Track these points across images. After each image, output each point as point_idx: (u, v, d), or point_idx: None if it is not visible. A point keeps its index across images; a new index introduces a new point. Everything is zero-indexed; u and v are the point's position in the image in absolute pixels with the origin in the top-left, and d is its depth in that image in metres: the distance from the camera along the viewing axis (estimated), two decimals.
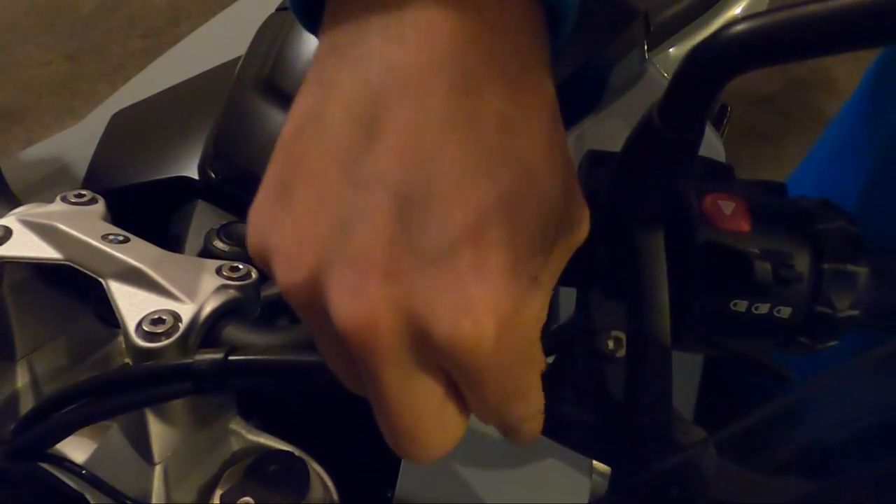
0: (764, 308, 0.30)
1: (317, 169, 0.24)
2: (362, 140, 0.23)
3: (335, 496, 0.40)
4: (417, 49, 0.23)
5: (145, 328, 0.35)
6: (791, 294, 0.30)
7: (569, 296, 0.35)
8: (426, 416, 0.25)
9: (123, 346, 0.38)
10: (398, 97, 0.23)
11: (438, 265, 0.22)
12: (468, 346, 0.22)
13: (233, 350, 0.33)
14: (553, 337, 0.36)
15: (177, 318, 0.36)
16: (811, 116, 1.88)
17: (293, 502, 0.38)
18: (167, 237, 0.55)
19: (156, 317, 0.36)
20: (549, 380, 0.33)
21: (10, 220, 0.40)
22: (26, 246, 0.39)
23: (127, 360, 0.37)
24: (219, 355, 0.33)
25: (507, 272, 0.23)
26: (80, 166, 0.59)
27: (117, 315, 0.36)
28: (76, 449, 0.40)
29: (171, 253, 0.40)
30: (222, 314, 0.37)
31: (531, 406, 0.27)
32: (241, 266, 0.39)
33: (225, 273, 0.39)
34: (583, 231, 0.27)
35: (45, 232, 0.40)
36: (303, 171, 0.24)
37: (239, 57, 0.62)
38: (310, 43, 0.57)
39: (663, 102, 0.24)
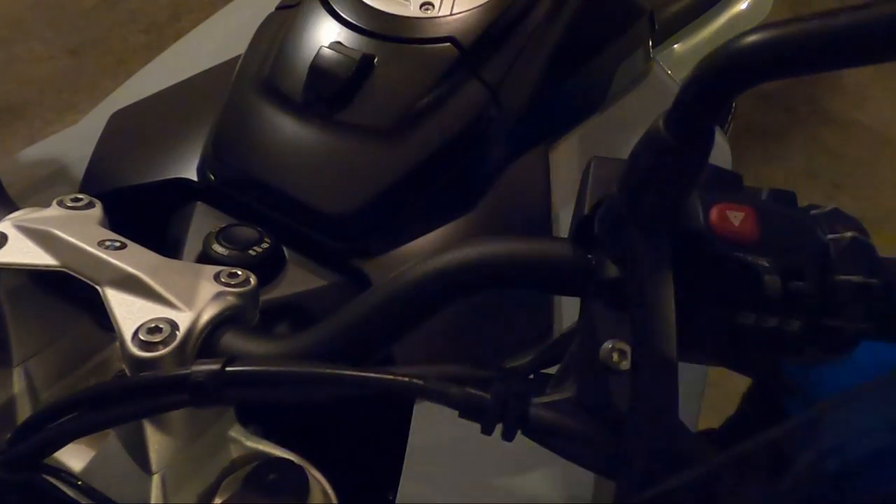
0: (772, 321, 0.29)
1: None
2: None
3: (335, 502, 0.40)
4: None
5: (142, 337, 0.35)
6: (800, 307, 0.29)
7: (571, 305, 0.35)
8: None
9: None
10: None
11: None
12: None
13: (230, 360, 0.33)
14: (556, 347, 0.36)
15: (174, 326, 0.35)
16: (816, 113, 1.87)
17: None
18: (166, 240, 0.54)
19: (152, 325, 0.35)
20: (553, 391, 0.32)
21: (5, 226, 0.40)
22: (22, 252, 0.39)
23: (125, 367, 0.36)
24: (216, 366, 0.32)
25: None
26: (79, 167, 0.59)
27: (113, 324, 0.35)
28: (73, 457, 0.40)
29: (168, 259, 0.39)
30: (220, 322, 0.36)
31: None
32: (239, 272, 0.39)
33: (223, 279, 0.38)
34: None
35: (40, 238, 0.39)
36: None
37: (238, 56, 0.61)
38: (309, 42, 0.57)
39: (671, 113, 0.23)
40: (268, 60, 0.57)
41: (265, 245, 0.50)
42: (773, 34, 0.20)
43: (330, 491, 0.40)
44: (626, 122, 0.68)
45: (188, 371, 0.32)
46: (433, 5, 0.59)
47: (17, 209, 0.43)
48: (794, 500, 0.25)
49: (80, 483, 0.37)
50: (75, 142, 0.61)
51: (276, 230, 0.52)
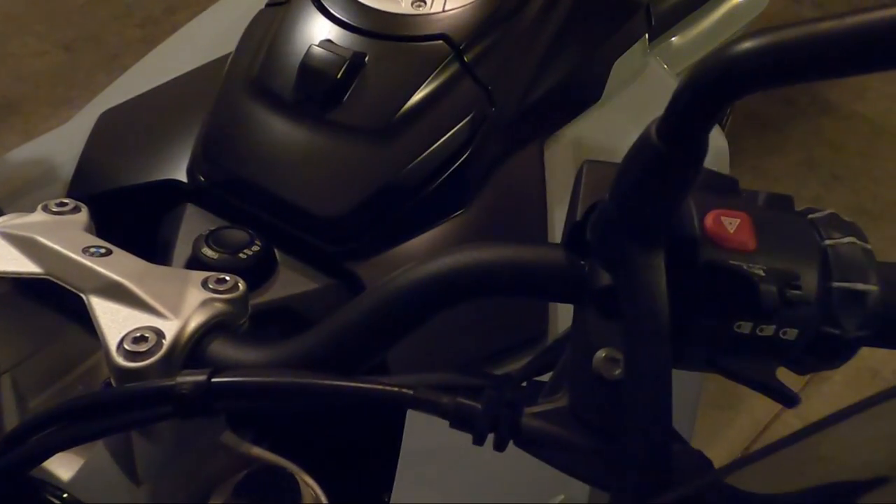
0: (769, 330, 0.29)
1: None
2: None
3: None
4: None
5: (127, 347, 0.34)
6: (797, 316, 0.28)
7: (566, 307, 0.34)
8: None
9: None
10: None
11: None
12: None
13: (216, 371, 0.32)
14: (548, 353, 0.35)
15: (160, 335, 0.35)
16: (815, 105, 1.85)
17: None
18: (156, 243, 0.53)
19: (138, 335, 0.34)
20: (545, 401, 0.32)
21: None
22: (5, 260, 0.38)
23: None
24: (202, 377, 0.31)
25: None
26: (68, 168, 0.58)
27: (98, 333, 0.35)
28: (61, 467, 0.39)
29: (154, 265, 0.38)
30: (208, 330, 0.36)
31: None
32: (228, 278, 0.38)
33: (211, 286, 0.38)
34: None
35: (24, 245, 0.38)
36: None
37: (228, 54, 0.60)
38: (299, 40, 0.56)
39: (662, 121, 0.22)
40: (257, 59, 0.56)
41: (256, 248, 0.50)
42: (768, 40, 0.19)
43: (322, 497, 0.40)
44: (624, 117, 0.67)
45: (173, 382, 0.32)
46: (425, 2, 0.58)
47: (0, 214, 0.42)
48: None
49: (66, 496, 0.36)
50: (64, 142, 0.60)
51: (268, 232, 0.51)
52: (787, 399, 0.30)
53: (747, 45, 0.20)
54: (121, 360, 0.34)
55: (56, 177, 0.58)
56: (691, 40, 0.92)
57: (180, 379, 0.32)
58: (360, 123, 0.53)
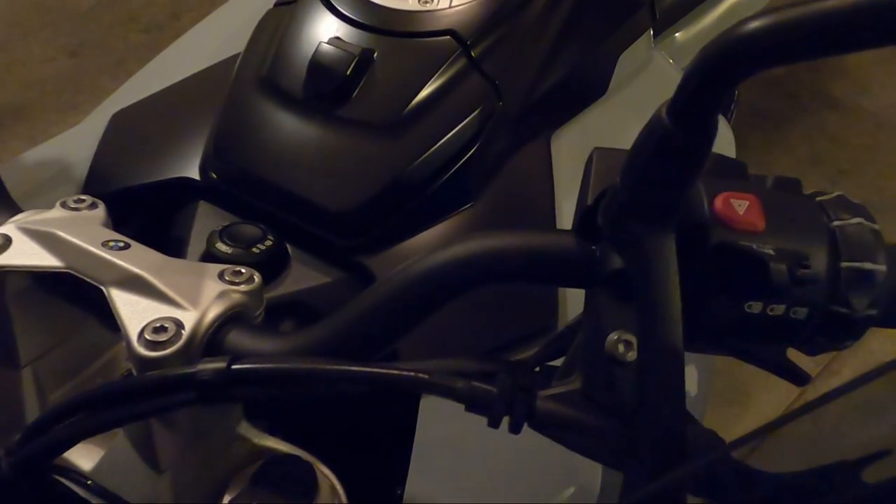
0: (779, 309, 0.29)
1: None
2: None
3: (343, 499, 0.40)
4: None
5: (147, 337, 0.35)
6: (807, 295, 0.29)
7: (576, 295, 0.34)
8: None
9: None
10: None
11: None
12: None
13: (236, 358, 0.33)
14: (561, 339, 0.35)
15: (179, 325, 0.35)
16: (820, 99, 1.85)
17: None
18: (169, 239, 0.54)
19: (158, 325, 0.35)
20: (559, 384, 0.32)
21: (9, 228, 0.40)
22: (26, 254, 0.39)
23: (131, 367, 0.36)
24: (221, 364, 0.32)
25: None
26: (81, 168, 0.59)
27: (119, 324, 0.35)
28: (83, 457, 0.40)
29: (172, 258, 0.39)
30: (225, 320, 0.36)
31: None
32: (243, 270, 0.39)
33: (227, 277, 0.38)
34: None
35: (44, 240, 0.39)
36: None
37: (238, 53, 0.61)
38: (308, 38, 0.57)
39: (673, 103, 0.23)
40: (267, 57, 0.57)
41: (268, 242, 0.50)
42: (775, 19, 0.20)
43: (338, 486, 0.40)
44: (629, 111, 0.67)
45: (194, 370, 0.32)
46: None
47: (20, 211, 0.43)
48: (802, 489, 0.25)
49: (90, 483, 0.37)
50: (77, 143, 0.61)
51: (280, 227, 0.52)
52: (799, 378, 0.30)
53: (755, 24, 0.20)
54: (142, 350, 0.34)
55: (70, 177, 0.59)
56: (695, 35, 0.93)
57: (201, 366, 0.32)
58: (370, 119, 0.54)
